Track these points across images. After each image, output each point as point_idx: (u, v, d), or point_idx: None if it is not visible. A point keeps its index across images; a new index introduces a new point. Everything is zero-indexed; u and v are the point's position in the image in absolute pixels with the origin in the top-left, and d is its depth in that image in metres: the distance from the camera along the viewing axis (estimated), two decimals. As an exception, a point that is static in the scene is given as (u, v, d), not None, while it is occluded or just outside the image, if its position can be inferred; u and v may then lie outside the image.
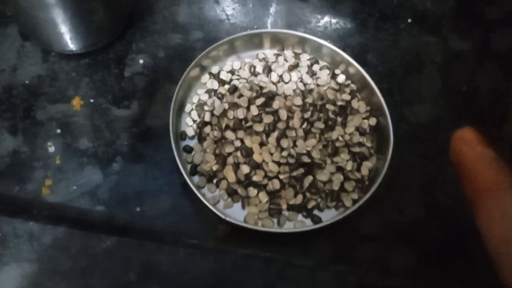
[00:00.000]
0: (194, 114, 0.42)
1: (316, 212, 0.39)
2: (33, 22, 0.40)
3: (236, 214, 0.38)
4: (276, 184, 0.39)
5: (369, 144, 0.41)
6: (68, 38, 0.42)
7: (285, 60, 0.45)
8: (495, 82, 0.46)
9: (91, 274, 0.33)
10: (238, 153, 0.40)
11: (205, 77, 0.43)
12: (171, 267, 0.34)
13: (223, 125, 0.41)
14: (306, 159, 0.39)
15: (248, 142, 0.40)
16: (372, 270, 0.36)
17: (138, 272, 0.34)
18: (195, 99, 0.43)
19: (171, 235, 0.36)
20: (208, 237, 0.37)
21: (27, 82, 0.42)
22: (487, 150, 0.22)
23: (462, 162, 0.22)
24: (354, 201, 0.38)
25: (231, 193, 0.39)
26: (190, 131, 0.41)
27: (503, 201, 0.20)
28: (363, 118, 0.42)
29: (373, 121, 0.42)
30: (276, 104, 0.41)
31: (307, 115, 0.40)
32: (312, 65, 0.44)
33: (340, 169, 0.40)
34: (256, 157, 0.39)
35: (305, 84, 0.43)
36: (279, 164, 0.39)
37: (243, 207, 0.39)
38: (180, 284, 0.33)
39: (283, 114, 0.40)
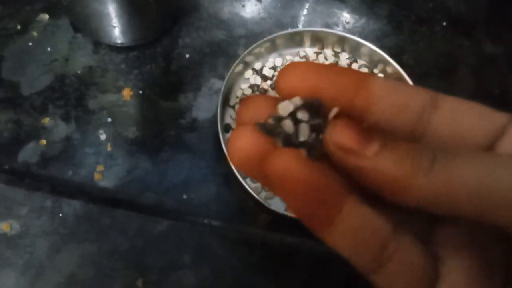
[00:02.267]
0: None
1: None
2: (88, 13, 0.42)
3: (277, 204, 0.40)
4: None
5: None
6: (120, 32, 0.43)
7: (325, 58, 0.46)
8: (527, 85, 0.48)
9: (147, 255, 0.35)
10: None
11: (248, 73, 0.45)
12: (221, 251, 0.36)
13: (266, 119, 0.42)
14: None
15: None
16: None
17: (191, 254, 0.35)
18: (238, 93, 0.44)
19: (219, 221, 0.38)
20: (252, 225, 0.38)
21: (78, 72, 0.44)
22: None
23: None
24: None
25: (273, 184, 0.41)
26: (234, 124, 0.43)
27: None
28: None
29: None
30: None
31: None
32: (351, 63, 0.46)
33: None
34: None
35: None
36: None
37: (284, 198, 0.41)
38: (229, 266, 0.35)
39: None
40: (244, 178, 0.41)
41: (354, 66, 0.46)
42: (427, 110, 0.17)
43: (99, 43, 0.46)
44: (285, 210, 0.40)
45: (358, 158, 0.15)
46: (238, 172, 0.39)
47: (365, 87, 0.16)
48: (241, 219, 0.39)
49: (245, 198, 0.40)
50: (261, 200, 0.38)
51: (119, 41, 0.44)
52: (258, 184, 0.41)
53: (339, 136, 0.15)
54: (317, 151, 0.16)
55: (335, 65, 0.17)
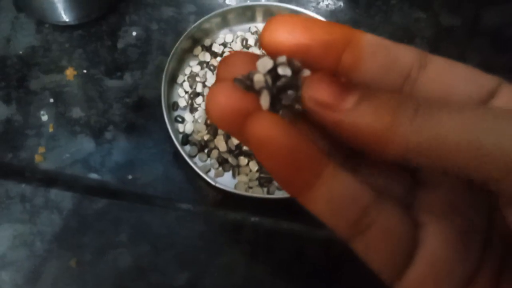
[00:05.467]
0: (186, 85, 0.42)
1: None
2: (27, -8, 0.41)
3: (226, 182, 0.39)
4: (266, 155, 0.39)
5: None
6: (62, 9, 0.42)
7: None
8: (484, 57, 0.47)
9: (83, 234, 0.34)
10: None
11: (198, 50, 0.44)
12: (161, 228, 0.35)
13: (215, 96, 0.41)
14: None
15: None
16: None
17: (129, 232, 0.34)
18: (187, 71, 0.43)
19: (162, 200, 0.37)
20: (199, 202, 0.37)
21: (21, 52, 0.43)
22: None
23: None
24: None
25: (222, 162, 0.40)
26: (182, 102, 0.42)
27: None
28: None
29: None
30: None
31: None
32: (303, 38, 0.45)
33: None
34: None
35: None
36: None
37: (234, 176, 0.39)
38: (170, 244, 0.34)
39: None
40: (191, 158, 0.39)
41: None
42: (415, 69, 0.16)
43: (43, 23, 0.44)
44: (234, 187, 0.39)
45: (336, 112, 0.14)
46: (184, 151, 0.38)
47: (354, 42, 0.16)
48: (188, 198, 0.38)
49: (192, 178, 0.39)
50: (209, 179, 0.37)
51: (61, 20, 0.43)
52: (207, 163, 0.40)
53: (315, 90, 0.15)
54: (296, 110, 0.16)
55: (322, 20, 0.16)
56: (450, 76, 0.16)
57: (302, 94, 0.15)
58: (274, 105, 0.16)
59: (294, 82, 0.16)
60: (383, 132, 0.14)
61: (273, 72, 0.16)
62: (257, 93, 0.16)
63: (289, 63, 0.16)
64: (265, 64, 0.16)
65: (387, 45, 0.16)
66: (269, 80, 0.15)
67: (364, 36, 0.16)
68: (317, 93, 0.15)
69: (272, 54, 0.16)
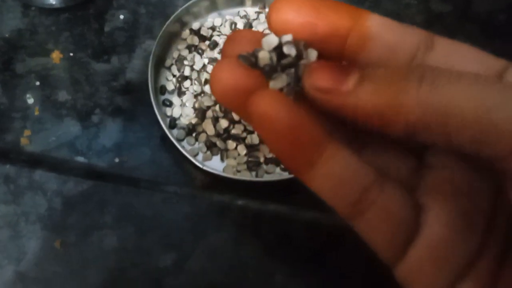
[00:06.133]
0: (174, 69, 0.42)
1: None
2: (12, -27, 0.40)
3: (215, 166, 0.38)
4: (255, 139, 0.39)
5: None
6: (48, -8, 0.42)
7: (266, 18, 0.45)
8: (475, 43, 0.46)
9: (67, 215, 0.33)
10: (217, 107, 0.40)
11: (186, 33, 0.43)
12: (146, 210, 0.34)
13: (203, 80, 0.41)
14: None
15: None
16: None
17: (114, 214, 0.34)
18: (175, 54, 0.43)
19: (149, 182, 0.37)
20: (186, 185, 0.37)
21: (6, 35, 0.42)
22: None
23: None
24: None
25: (210, 146, 0.39)
26: (170, 86, 0.41)
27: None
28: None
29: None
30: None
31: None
32: (292, 22, 0.44)
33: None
34: (235, 114, 0.39)
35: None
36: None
37: (222, 159, 0.39)
38: (155, 226, 0.34)
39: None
40: (179, 141, 0.39)
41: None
42: (421, 50, 0.16)
43: (29, 6, 0.43)
44: (222, 171, 0.38)
45: (337, 96, 0.14)
46: (172, 135, 0.38)
47: (360, 22, 0.16)
48: (175, 181, 0.38)
49: (180, 161, 0.39)
50: (197, 163, 0.37)
51: (48, 3, 0.42)
52: (195, 147, 0.40)
53: (314, 77, 0.15)
54: (299, 90, 0.16)
55: (329, 0, 0.16)
56: (457, 57, 0.16)
57: (302, 83, 0.15)
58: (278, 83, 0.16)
59: (298, 62, 0.16)
60: (388, 108, 0.14)
61: (278, 50, 0.16)
62: (262, 70, 0.16)
63: (295, 43, 0.16)
64: (271, 41, 0.16)
65: (394, 26, 0.16)
66: (274, 58, 0.15)
67: (370, 16, 0.16)
68: (316, 79, 0.15)
69: (279, 32, 0.16)
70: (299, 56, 0.16)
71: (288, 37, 0.16)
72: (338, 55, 0.16)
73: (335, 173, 0.15)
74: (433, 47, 0.16)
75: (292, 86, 0.15)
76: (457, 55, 0.16)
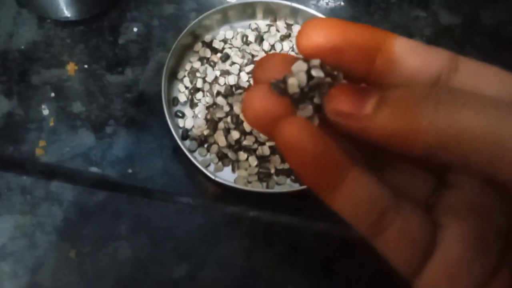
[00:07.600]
0: (187, 81, 0.42)
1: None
2: (29, -13, 0.41)
3: (226, 177, 0.39)
4: (266, 150, 0.40)
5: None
6: (63, 5, 0.42)
7: (277, 30, 0.45)
8: (483, 56, 0.47)
9: (82, 226, 0.34)
10: (229, 119, 0.40)
11: (198, 46, 0.44)
12: (160, 221, 0.35)
13: (215, 92, 0.42)
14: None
15: (237, 109, 0.41)
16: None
17: (128, 225, 0.35)
18: (187, 67, 0.43)
19: (162, 193, 0.37)
20: (198, 196, 0.38)
21: (22, 47, 0.43)
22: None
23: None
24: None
25: (222, 157, 0.40)
26: (182, 97, 0.42)
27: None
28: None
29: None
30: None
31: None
32: (303, 35, 0.45)
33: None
34: (246, 126, 0.40)
35: (296, 54, 0.44)
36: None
37: (233, 170, 0.40)
38: (168, 236, 0.34)
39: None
40: (191, 152, 0.40)
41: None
42: (445, 72, 0.16)
43: (44, 18, 0.44)
44: (234, 182, 0.39)
45: (357, 120, 0.15)
46: (184, 146, 0.38)
47: (387, 46, 0.16)
48: (187, 192, 0.38)
49: (192, 172, 0.39)
50: (209, 174, 0.38)
51: (63, 15, 0.43)
52: (206, 158, 0.40)
53: (334, 103, 0.15)
54: (324, 117, 0.16)
55: (357, 24, 0.16)
56: (482, 79, 0.16)
57: (324, 109, 0.16)
58: (304, 102, 0.16)
59: (324, 83, 0.16)
60: (405, 131, 0.14)
61: (307, 74, 0.16)
62: (290, 97, 0.16)
63: (322, 67, 0.16)
64: (300, 67, 0.16)
65: (420, 48, 0.16)
66: (304, 81, 0.16)
67: (397, 39, 0.16)
68: (337, 104, 0.15)
69: (308, 56, 0.17)
70: (325, 79, 0.16)
71: (316, 62, 0.16)
72: (365, 78, 0.17)
73: (356, 197, 0.16)
74: (458, 69, 0.16)
75: (317, 114, 0.16)
76: (481, 77, 0.16)
